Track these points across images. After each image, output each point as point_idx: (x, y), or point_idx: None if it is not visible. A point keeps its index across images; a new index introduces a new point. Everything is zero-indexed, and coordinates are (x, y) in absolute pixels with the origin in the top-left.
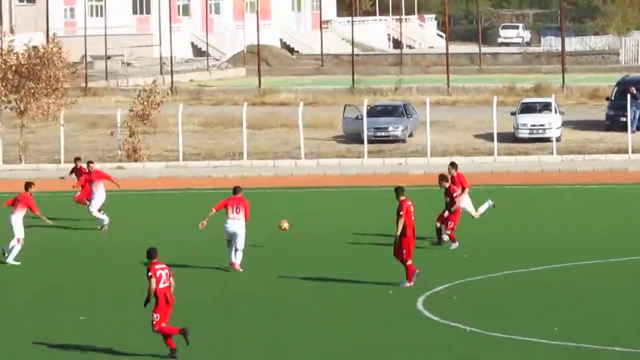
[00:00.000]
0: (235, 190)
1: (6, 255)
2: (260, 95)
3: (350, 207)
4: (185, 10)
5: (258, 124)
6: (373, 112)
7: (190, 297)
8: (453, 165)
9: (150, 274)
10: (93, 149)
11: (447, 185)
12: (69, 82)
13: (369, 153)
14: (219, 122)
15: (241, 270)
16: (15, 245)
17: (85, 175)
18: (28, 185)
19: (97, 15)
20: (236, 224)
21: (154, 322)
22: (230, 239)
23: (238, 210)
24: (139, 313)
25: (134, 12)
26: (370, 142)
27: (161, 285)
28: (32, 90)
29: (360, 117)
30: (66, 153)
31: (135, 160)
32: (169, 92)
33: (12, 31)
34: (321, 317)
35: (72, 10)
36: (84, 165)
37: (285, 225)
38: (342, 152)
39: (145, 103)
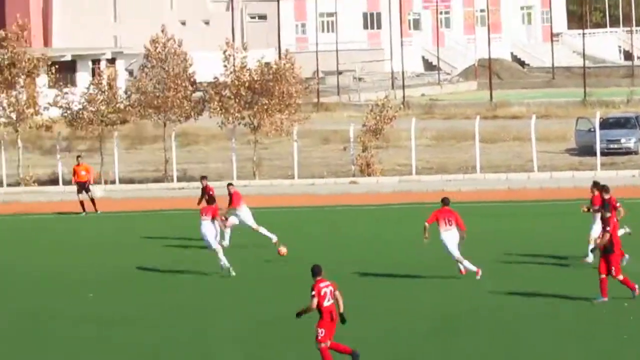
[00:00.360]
0: (445, 201)
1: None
2: (492, 109)
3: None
4: (416, 25)
5: (490, 137)
6: (605, 124)
7: (426, 306)
8: (597, 185)
9: (313, 292)
10: (326, 164)
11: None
12: (301, 98)
13: (602, 165)
14: (451, 135)
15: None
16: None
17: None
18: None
19: (328, 31)
20: (450, 234)
21: (319, 337)
22: (448, 249)
23: (450, 222)
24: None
25: (365, 27)
26: (602, 154)
27: (326, 304)
28: (265, 107)
29: (592, 129)
30: (299, 168)
31: (369, 175)
32: (401, 106)
33: (244, 48)
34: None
35: (303, 25)
36: (210, 184)
37: (284, 250)
38: (575, 164)
39: (378, 118)
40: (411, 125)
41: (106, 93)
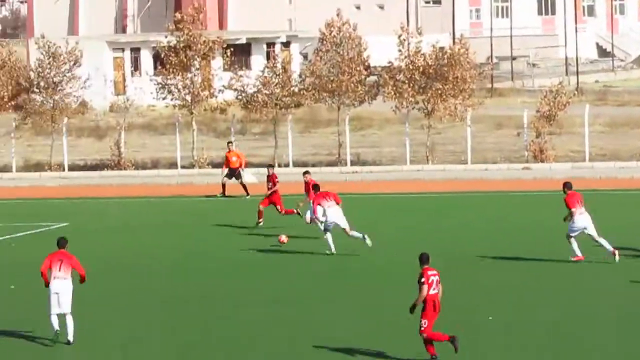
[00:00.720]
0: (569, 185)
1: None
2: None
3: None
4: (590, 11)
5: None
6: None
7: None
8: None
9: (422, 279)
10: (499, 150)
11: None
12: (475, 83)
13: None
14: (625, 122)
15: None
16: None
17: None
18: None
19: (502, 16)
20: (585, 217)
21: (423, 328)
22: (589, 230)
23: (582, 204)
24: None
25: (539, 12)
26: None
27: (431, 292)
28: (439, 91)
29: None
30: (472, 154)
31: (542, 161)
32: (575, 92)
33: (419, 32)
34: None
35: (477, 11)
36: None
37: (284, 238)
38: None
39: (552, 104)
40: (585, 112)
41: (281, 76)
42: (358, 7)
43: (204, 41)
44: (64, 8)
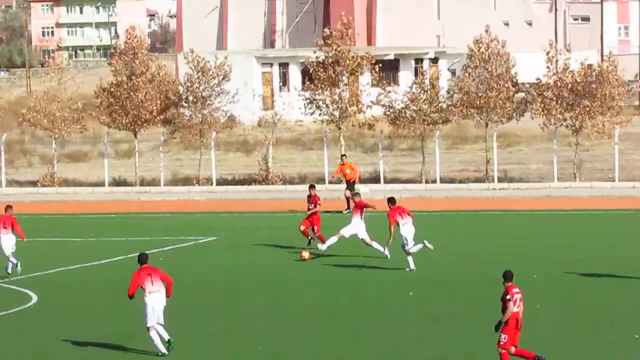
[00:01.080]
0: None
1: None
2: None
3: None
4: None
5: None
6: None
7: None
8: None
9: (508, 296)
10: None
11: None
12: (623, 101)
13: None
14: None
15: None
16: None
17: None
18: None
19: None
20: None
21: (501, 343)
22: None
23: None
24: None
25: None
26: None
27: (514, 309)
28: (587, 109)
29: None
30: (620, 171)
31: None
32: None
33: (567, 49)
34: None
35: (626, 28)
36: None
37: (305, 255)
38: None
39: None
40: None
41: (429, 92)
42: (507, 24)
43: (353, 57)
44: (213, 23)
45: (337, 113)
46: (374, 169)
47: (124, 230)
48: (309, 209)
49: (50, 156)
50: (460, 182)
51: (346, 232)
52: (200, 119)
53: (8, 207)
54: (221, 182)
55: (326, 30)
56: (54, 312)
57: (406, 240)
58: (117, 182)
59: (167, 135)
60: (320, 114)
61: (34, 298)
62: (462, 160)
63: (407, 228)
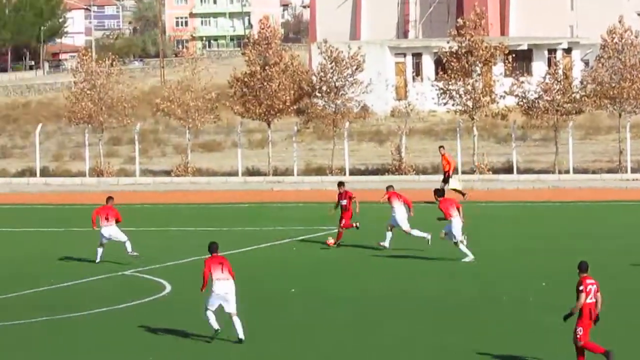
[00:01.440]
0: None
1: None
2: None
3: None
4: None
5: None
6: None
7: None
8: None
9: (581, 287)
10: None
11: None
12: None
13: None
14: None
15: None
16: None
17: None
18: None
19: None
20: None
21: (578, 336)
22: None
23: None
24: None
25: None
26: None
27: (588, 300)
28: None
29: None
30: None
31: None
32: None
33: None
34: None
35: None
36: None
37: (331, 241)
38: None
39: None
40: None
41: (562, 83)
42: None
43: (486, 47)
44: (346, 13)
45: (470, 103)
46: (507, 159)
47: (256, 220)
48: (340, 205)
49: (184, 146)
50: (594, 172)
51: (404, 226)
52: (334, 109)
53: (109, 198)
54: (354, 172)
55: (459, 20)
56: (187, 300)
57: (451, 232)
58: (251, 172)
59: (301, 125)
60: (453, 104)
61: (168, 287)
62: (595, 150)
63: (456, 221)
